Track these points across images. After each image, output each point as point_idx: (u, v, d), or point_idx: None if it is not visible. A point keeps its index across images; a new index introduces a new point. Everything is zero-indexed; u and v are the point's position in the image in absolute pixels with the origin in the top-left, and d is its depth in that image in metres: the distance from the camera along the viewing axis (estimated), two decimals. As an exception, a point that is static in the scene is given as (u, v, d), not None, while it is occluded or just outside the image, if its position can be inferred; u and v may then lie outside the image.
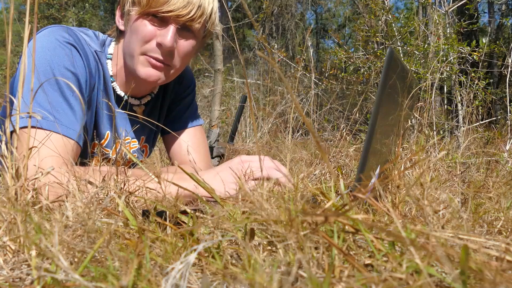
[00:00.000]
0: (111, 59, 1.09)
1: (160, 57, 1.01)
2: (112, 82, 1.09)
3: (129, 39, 1.02)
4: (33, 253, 0.42)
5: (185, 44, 1.04)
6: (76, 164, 0.95)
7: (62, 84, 0.93)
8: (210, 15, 1.04)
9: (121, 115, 1.15)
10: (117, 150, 1.13)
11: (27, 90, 0.84)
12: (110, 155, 1.16)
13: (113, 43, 1.10)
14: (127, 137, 1.18)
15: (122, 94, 1.11)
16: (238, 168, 0.92)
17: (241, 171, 0.91)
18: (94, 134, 1.10)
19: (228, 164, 0.95)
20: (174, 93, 1.27)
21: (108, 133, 1.13)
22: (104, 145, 1.13)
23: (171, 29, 0.99)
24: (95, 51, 1.05)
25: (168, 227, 0.51)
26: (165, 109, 1.27)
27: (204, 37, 1.10)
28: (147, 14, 0.99)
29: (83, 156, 1.02)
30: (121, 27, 1.07)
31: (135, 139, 1.22)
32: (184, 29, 1.02)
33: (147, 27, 0.99)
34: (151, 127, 1.24)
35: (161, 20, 0.99)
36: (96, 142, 1.11)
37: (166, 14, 0.97)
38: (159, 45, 1.00)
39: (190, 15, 0.98)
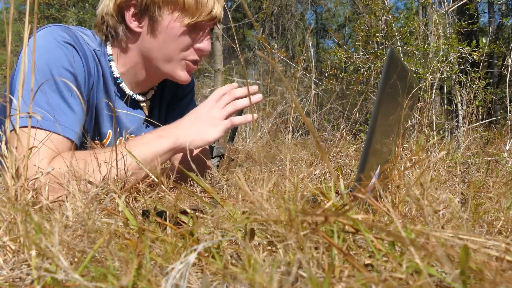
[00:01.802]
0: (112, 60, 1.08)
1: (198, 59, 1.09)
2: (120, 83, 1.10)
3: (164, 45, 1.04)
4: (33, 253, 0.42)
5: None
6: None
7: (60, 84, 0.93)
8: None
9: (124, 113, 1.14)
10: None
11: (25, 90, 0.84)
12: None
13: (108, 44, 1.08)
14: (131, 135, 1.18)
15: (131, 93, 1.12)
16: (216, 104, 1.02)
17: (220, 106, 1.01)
18: (95, 133, 1.09)
19: (203, 105, 1.03)
20: (172, 92, 1.27)
21: (110, 132, 1.13)
22: (106, 144, 1.13)
23: (208, 34, 1.07)
24: (94, 50, 1.04)
25: (168, 227, 0.51)
26: (164, 106, 1.26)
27: None
28: (194, 22, 1.02)
29: None
30: (137, 29, 1.04)
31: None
32: None
33: (188, 35, 1.04)
34: (151, 126, 1.24)
35: (194, 25, 1.03)
36: (97, 141, 1.11)
37: (210, 22, 1.04)
38: (198, 50, 1.07)
39: (221, 16, 1.07)
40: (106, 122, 1.11)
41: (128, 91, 1.11)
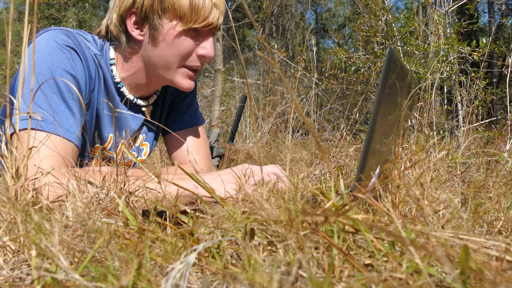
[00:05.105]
0: (114, 64, 1.08)
1: (200, 66, 1.09)
2: (121, 88, 1.09)
3: (165, 53, 1.03)
4: (33, 253, 0.42)
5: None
6: (76, 165, 0.95)
7: (61, 86, 0.93)
8: None
9: (125, 116, 1.14)
10: (121, 151, 1.13)
11: (26, 92, 0.84)
12: (114, 157, 1.15)
13: (111, 48, 1.09)
14: (131, 138, 1.18)
15: (132, 97, 1.12)
16: (239, 171, 0.93)
17: (241, 174, 0.92)
18: (96, 137, 1.09)
19: (230, 168, 0.97)
20: (175, 92, 1.27)
21: (111, 136, 1.13)
22: (107, 148, 1.13)
23: (211, 40, 1.07)
24: (94, 54, 1.05)
25: (168, 227, 0.51)
26: (165, 108, 1.27)
27: None
28: (188, 29, 1.01)
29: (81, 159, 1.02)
30: (139, 37, 1.04)
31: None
32: None
33: (188, 42, 1.03)
34: (151, 127, 1.24)
35: (196, 31, 1.04)
36: (98, 145, 1.11)
37: (207, 28, 1.03)
38: (201, 56, 1.06)
39: (220, 23, 1.06)
40: (107, 126, 1.11)
41: (128, 95, 1.11)
